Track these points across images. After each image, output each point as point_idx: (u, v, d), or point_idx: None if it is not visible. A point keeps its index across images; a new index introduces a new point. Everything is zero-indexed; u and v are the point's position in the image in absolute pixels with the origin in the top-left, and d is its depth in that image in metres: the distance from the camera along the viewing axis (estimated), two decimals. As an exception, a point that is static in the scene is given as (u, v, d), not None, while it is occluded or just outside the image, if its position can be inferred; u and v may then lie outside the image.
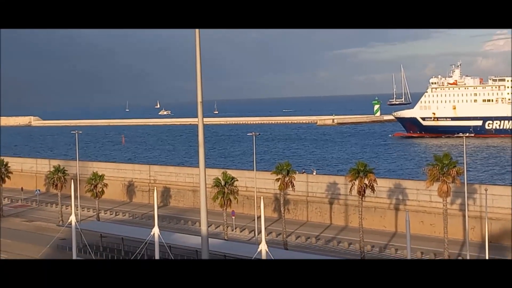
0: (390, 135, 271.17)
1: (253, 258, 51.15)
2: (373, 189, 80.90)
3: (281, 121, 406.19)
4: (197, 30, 45.92)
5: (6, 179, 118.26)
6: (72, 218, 73.72)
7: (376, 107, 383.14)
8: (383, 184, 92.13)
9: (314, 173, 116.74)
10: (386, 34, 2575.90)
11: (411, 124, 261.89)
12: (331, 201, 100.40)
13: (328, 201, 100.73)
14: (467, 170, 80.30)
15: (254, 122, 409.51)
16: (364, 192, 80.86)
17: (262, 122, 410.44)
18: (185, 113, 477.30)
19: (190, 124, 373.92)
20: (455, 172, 75.42)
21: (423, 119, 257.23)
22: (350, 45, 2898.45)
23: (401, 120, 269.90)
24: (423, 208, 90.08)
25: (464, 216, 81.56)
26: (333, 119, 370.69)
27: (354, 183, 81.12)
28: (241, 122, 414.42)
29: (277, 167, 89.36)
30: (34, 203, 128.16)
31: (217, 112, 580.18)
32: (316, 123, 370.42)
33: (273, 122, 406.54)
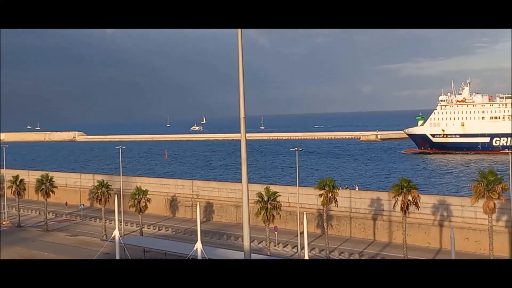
0: (402, 151, 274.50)
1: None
2: (417, 206, 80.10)
3: (325, 137, 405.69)
4: (239, 30, 45.68)
5: (51, 193, 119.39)
6: (116, 233, 74.13)
7: (420, 122, 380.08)
8: (427, 200, 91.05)
9: (357, 189, 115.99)
10: (430, 49, 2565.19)
11: (422, 141, 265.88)
12: (375, 217, 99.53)
13: (371, 217, 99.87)
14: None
15: (298, 138, 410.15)
16: (408, 208, 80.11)
17: (305, 137, 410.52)
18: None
19: (233, 139, 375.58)
20: (500, 189, 74.52)
21: (433, 135, 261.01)
22: (394, 60, 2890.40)
23: (412, 136, 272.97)
24: (468, 225, 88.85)
25: (510, 233, 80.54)
26: (376, 135, 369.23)
27: (397, 199, 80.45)
28: (284, 138, 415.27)
29: (320, 182, 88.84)
30: (78, 217, 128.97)
31: (263, 127, 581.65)
32: (359, 138, 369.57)
33: (316, 137, 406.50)
